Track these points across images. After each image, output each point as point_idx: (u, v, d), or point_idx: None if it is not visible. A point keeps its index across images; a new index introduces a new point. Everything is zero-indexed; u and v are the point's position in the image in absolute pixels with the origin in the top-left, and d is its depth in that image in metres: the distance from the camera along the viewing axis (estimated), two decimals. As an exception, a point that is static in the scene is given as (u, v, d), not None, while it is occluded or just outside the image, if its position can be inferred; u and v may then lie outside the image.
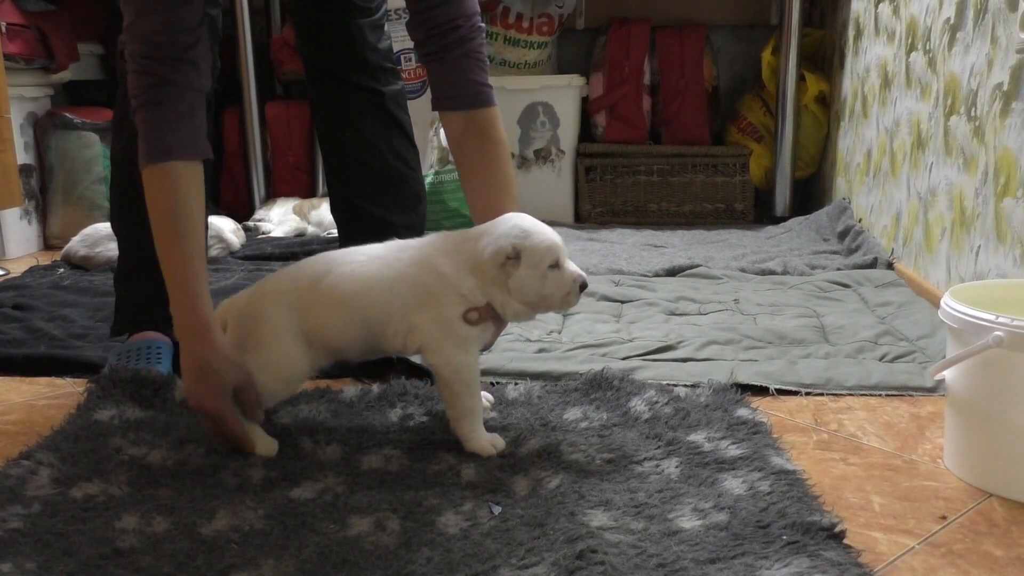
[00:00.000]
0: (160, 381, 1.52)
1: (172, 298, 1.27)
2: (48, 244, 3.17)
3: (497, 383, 1.58)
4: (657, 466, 1.22)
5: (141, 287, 1.66)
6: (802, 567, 0.95)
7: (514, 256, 1.24)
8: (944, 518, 1.12)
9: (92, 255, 2.65)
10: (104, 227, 2.68)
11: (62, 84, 3.31)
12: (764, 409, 1.46)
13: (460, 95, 1.40)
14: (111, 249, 2.57)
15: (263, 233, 3.18)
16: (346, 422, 1.39)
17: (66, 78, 3.29)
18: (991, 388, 1.18)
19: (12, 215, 3.00)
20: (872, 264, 2.44)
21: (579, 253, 2.74)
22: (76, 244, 2.69)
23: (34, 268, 2.66)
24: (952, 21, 2.08)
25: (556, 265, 1.26)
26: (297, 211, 3.27)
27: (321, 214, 3.20)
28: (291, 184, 3.57)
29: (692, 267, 2.49)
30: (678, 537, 1.03)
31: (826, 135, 3.37)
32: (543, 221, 1.30)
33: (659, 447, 1.27)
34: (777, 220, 3.35)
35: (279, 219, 3.27)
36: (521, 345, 1.79)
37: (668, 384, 1.54)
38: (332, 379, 1.59)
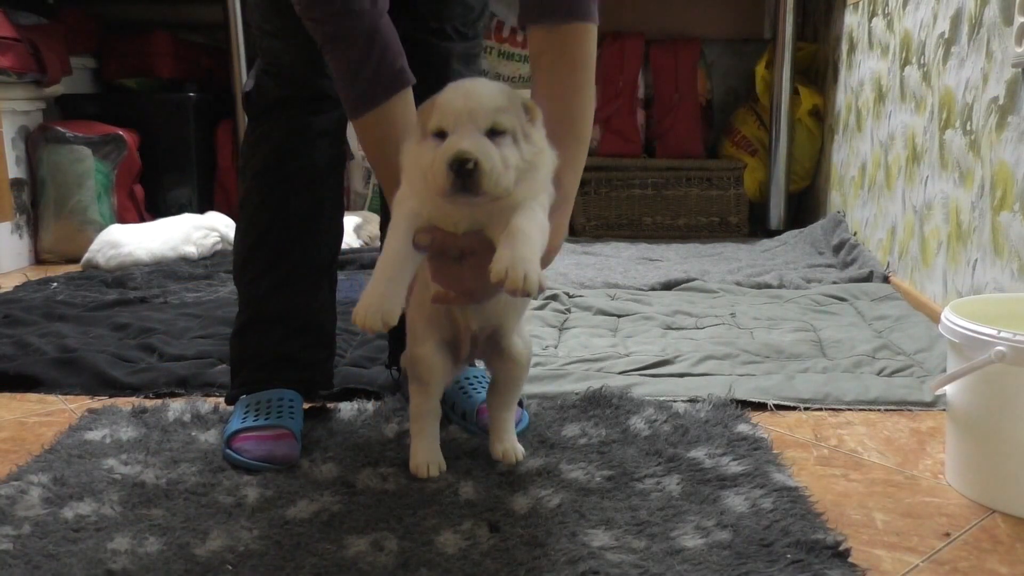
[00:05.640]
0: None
1: None
2: (39, 259, 3.15)
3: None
4: (658, 483, 1.20)
5: (265, 343, 1.44)
6: (807, 587, 0.94)
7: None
8: (948, 535, 1.11)
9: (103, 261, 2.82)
10: (109, 233, 2.82)
11: (54, 98, 3.30)
12: (764, 425, 1.45)
13: (547, 2, 1.15)
14: (122, 254, 2.81)
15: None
16: (342, 440, 1.38)
17: (58, 92, 3.28)
18: (993, 403, 1.17)
19: (3, 229, 2.97)
20: (868, 278, 2.44)
21: (574, 267, 2.74)
22: (93, 252, 2.86)
23: (27, 283, 2.63)
24: (947, 35, 2.09)
25: (441, 133, 1.05)
26: None
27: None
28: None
29: (688, 280, 2.48)
30: (681, 556, 1.01)
31: (820, 148, 3.37)
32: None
33: (659, 464, 1.26)
34: (772, 233, 3.35)
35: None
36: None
37: (666, 400, 1.53)
38: (329, 400, 1.57)
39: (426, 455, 1.25)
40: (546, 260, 1.10)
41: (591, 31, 1.17)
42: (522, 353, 1.27)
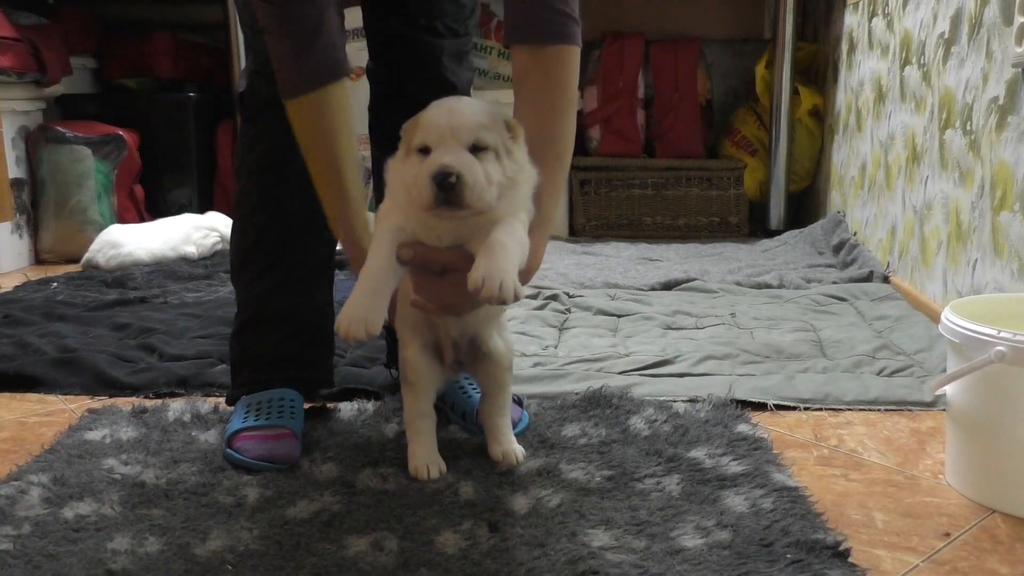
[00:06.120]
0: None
1: (341, 236, 1.28)
2: (39, 259, 3.15)
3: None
4: (658, 483, 1.20)
5: (265, 343, 1.45)
6: (807, 587, 0.94)
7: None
8: (948, 535, 1.11)
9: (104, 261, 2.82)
10: (109, 233, 2.82)
11: (54, 98, 3.30)
12: (764, 425, 1.45)
13: (533, 23, 1.16)
14: (122, 254, 2.80)
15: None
16: (342, 440, 1.38)
17: (58, 92, 3.28)
18: (993, 403, 1.17)
19: (3, 229, 2.97)
20: (868, 278, 2.44)
21: (574, 267, 2.74)
22: (93, 252, 2.85)
23: (27, 283, 2.63)
24: (947, 35, 2.09)
25: (424, 149, 1.06)
26: None
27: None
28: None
29: (688, 280, 2.48)
30: (681, 556, 1.01)
31: (820, 148, 3.37)
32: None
33: (659, 464, 1.26)
34: (772, 233, 3.35)
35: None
36: (516, 360, 1.78)
37: (667, 400, 1.53)
38: (329, 400, 1.56)
39: (425, 457, 1.25)
40: (525, 278, 1.11)
41: (574, 54, 1.19)
42: (503, 354, 1.28)
